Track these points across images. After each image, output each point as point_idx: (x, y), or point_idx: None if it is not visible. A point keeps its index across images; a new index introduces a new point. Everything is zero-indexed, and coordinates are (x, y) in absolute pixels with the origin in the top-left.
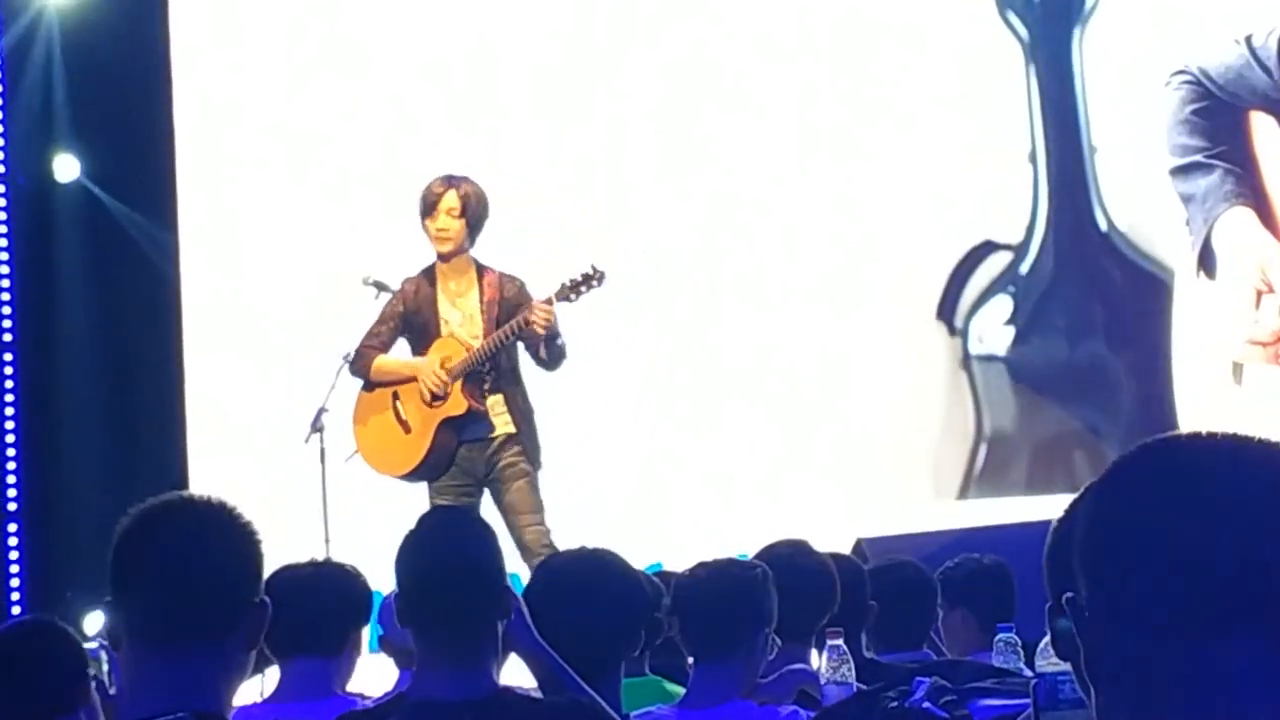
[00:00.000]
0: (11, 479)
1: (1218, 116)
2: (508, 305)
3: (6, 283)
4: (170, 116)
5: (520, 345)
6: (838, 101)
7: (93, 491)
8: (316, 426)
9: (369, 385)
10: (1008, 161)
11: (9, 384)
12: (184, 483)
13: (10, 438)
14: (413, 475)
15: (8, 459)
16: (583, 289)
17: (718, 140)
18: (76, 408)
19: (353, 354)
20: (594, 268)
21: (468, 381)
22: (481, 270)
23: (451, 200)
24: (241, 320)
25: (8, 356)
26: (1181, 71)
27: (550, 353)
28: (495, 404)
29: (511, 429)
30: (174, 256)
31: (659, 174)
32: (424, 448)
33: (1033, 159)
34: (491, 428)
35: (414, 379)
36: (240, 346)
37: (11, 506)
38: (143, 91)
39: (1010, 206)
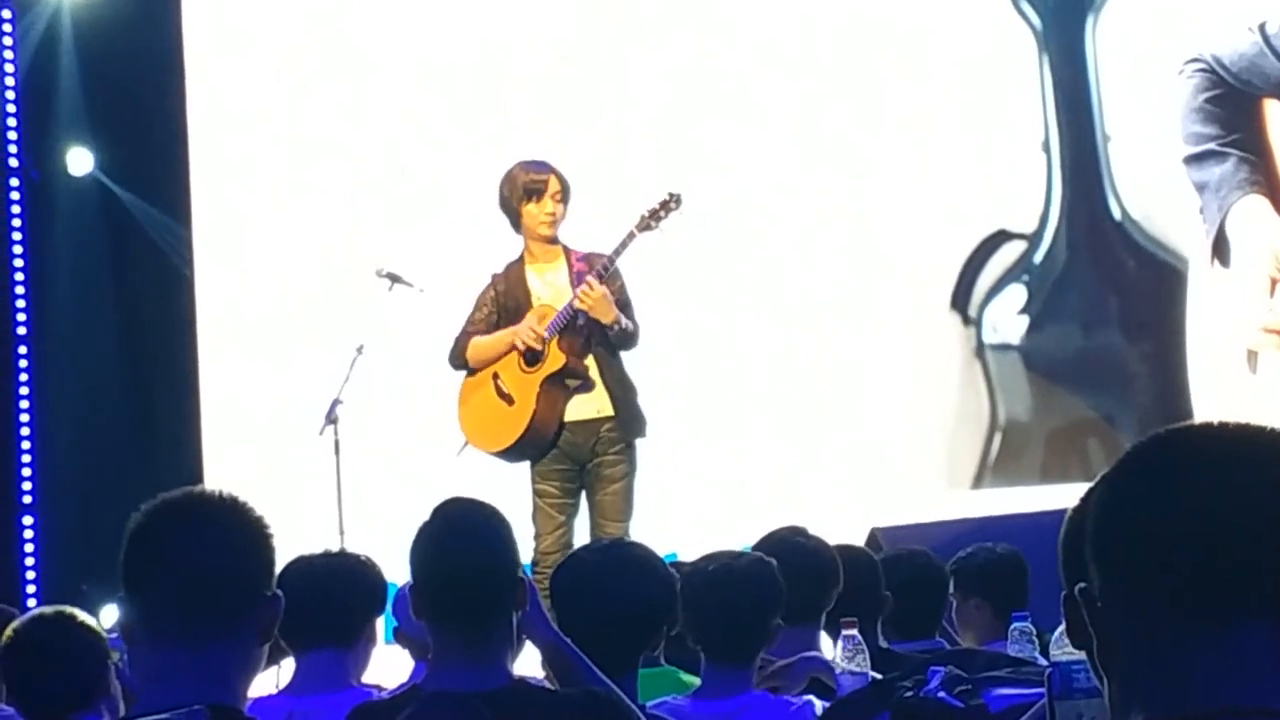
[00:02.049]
0: (27, 472)
1: (1231, 104)
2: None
3: (21, 276)
4: (183, 110)
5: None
6: (850, 93)
7: (108, 484)
8: (331, 419)
9: (470, 371)
10: (1021, 151)
11: (24, 377)
12: (199, 475)
13: (25, 430)
14: (518, 446)
15: (23, 452)
16: (662, 214)
17: (726, 134)
18: (91, 401)
19: (452, 344)
20: (670, 193)
21: (564, 336)
22: (568, 252)
23: (555, 185)
24: (255, 313)
25: (22, 350)
26: (1195, 59)
27: (616, 339)
28: (589, 366)
29: (610, 409)
30: (187, 250)
31: (665, 175)
32: (528, 415)
33: (1046, 148)
34: (593, 385)
35: (509, 349)
36: (254, 339)
37: (27, 500)
38: (156, 85)
39: (1024, 196)
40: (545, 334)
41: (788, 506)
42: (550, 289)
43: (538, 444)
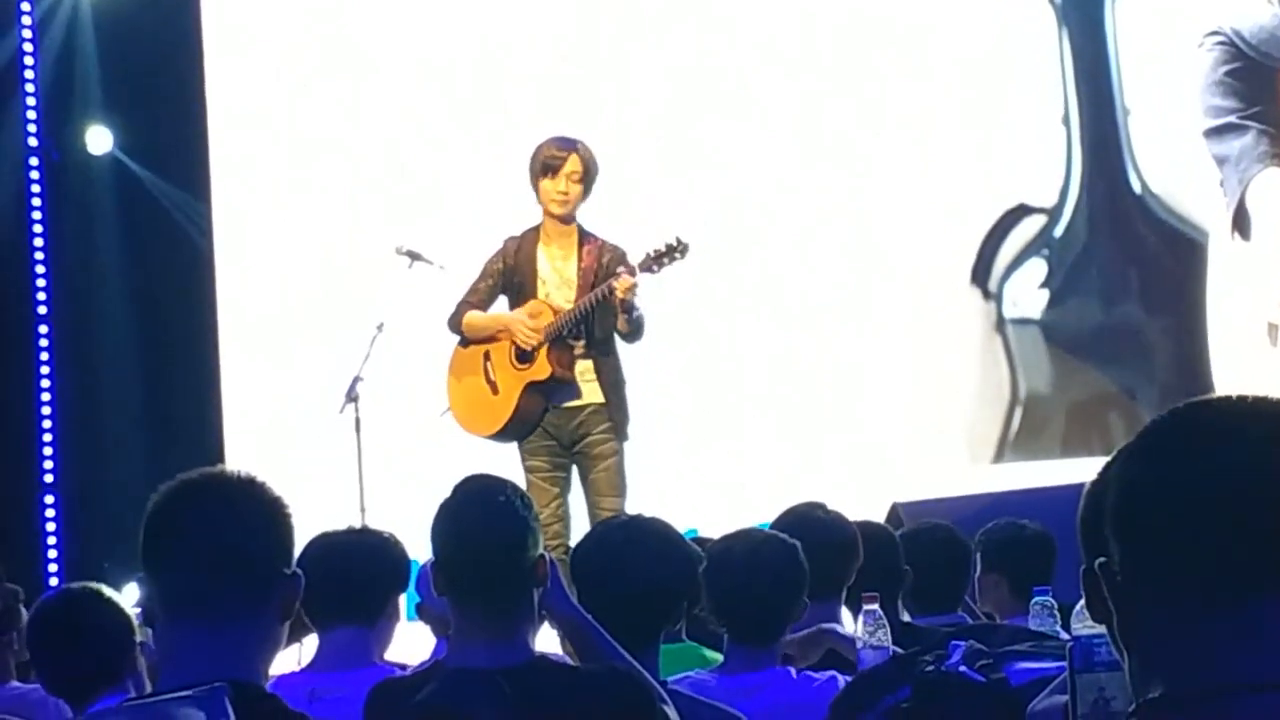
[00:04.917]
0: (48, 450)
1: (1251, 77)
2: (604, 273)
3: (41, 255)
4: (202, 88)
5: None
6: (850, 90)
7: (129, 462)
8: (351, 396)
9: (464, 342)
10: (1041, 124)
11: (45, 356)
12: (219, 453)
13: (46, 409)
14: (498, 436)
15: (44, 431)
16: (665, 261)
17: (726, 132)
18: (112, 379)
19: (453, 308)
20: (678, 239)
21: (554, 347)
22: (584, 237)
23: (574, 165)
24: (276, 291)
25: (43, 329)
26: (1214, 32)
27: (630, 325)
28: (585, 370)
29: (600, 398)
30: (207, 228)
31: (665, 173)
32: (509, 410)
33: (1066, 121)
34: (579, 393)
35: (502, 333)
36: (275, 317)
37: (49, 479)
38: (174, 62)
39: (1044, 169)
40: (537, 340)
41: (811, 482)
42: (557, 276)
43: (516, 435)
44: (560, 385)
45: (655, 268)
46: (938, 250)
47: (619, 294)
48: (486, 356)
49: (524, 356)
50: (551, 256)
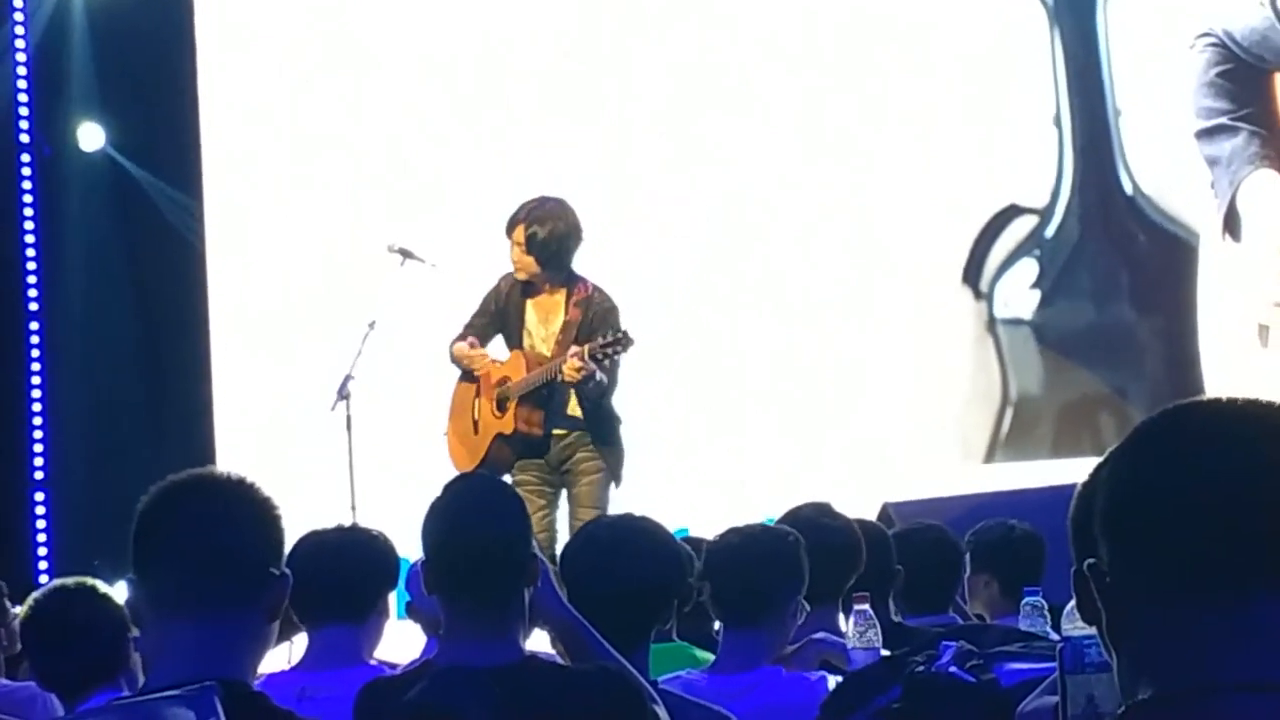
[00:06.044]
0: (39, 448)
1: (1242, 79)
2: (586, 329)
3: (32, 252)
4: (195, 85)
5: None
6: (851, 86)
7: (120, 459)
8: (343, 394)
9: (462, 375)
10: (1032, 125)
11: (35, 353)
12: (210, 450)
13: (37, 406)
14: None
15: (34, 428)
16: (610, 351)
17: (728, 128)
18: (103, 377)
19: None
20: (624, 332)
21: (523, 403)
22: (572, 289)
23: (518, 235)
24: (267, 289)
25: (34, 325)
26: (1206, 34)
27: (589, 397)
28: (573, 434)
29: (583, 429)
30: (199, 225)
31: (667, 170)
32: (481, 454)
33: (1057, 122)
34: (547, 449)
35: (476, 363)
36: (266, 315)
37: (39, 475)
38: (167, 58)
39: (1035, 170)
40: (505, 394)
41: (801, 482)
42: (543, 329)
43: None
44: (528, 440)
45: (600, 355)
46: (934, 248)
47: (566, 378)
48: (477, 393)
49: (501, 405)
50: (539, 306)
